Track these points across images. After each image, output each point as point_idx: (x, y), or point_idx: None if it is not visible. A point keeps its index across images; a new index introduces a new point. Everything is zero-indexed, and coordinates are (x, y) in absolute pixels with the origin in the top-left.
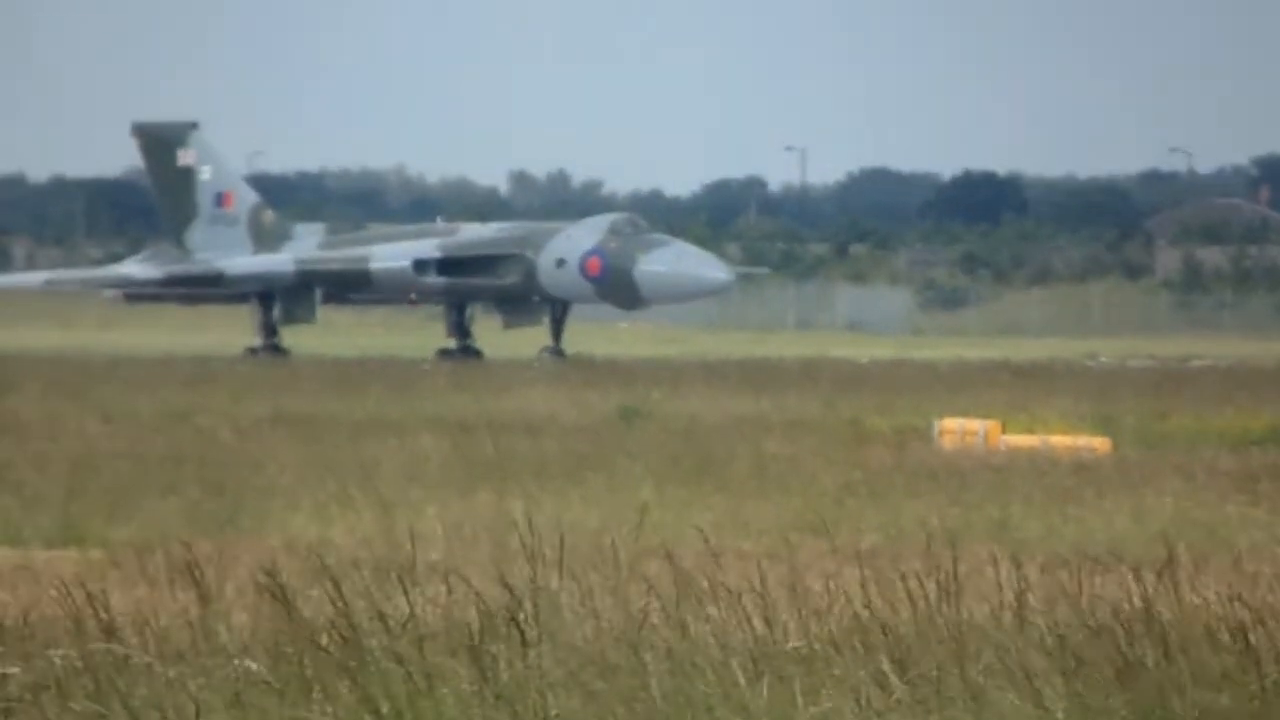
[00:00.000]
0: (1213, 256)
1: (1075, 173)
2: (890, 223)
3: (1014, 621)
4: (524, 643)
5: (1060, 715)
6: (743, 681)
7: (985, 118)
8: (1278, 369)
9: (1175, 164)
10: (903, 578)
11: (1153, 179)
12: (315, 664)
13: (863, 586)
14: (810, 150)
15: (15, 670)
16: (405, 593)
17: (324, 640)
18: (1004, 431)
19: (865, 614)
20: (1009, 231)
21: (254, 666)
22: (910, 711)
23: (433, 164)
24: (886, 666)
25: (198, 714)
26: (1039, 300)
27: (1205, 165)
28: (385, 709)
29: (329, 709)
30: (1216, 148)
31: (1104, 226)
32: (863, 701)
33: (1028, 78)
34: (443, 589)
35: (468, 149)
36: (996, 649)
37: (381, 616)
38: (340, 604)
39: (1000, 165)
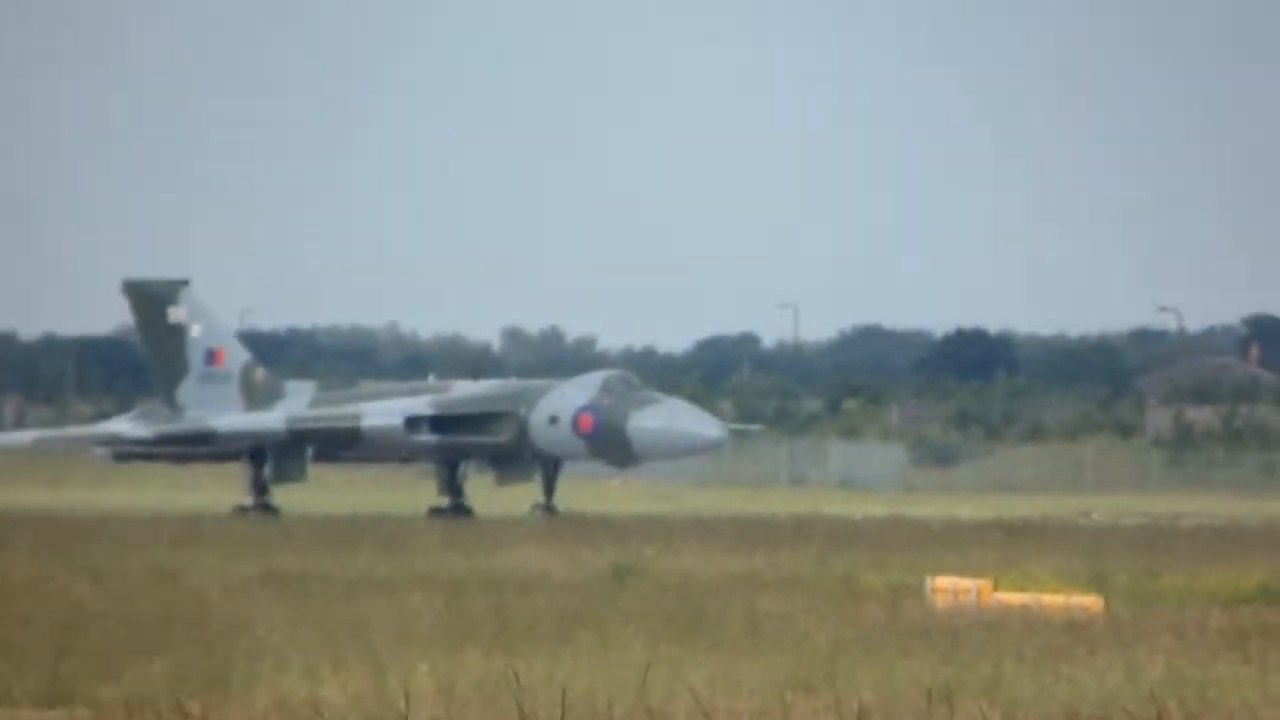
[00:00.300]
0: (1203, 415)
1: (1066, 331)
2: (883, 379)
3: None
4: None
5: None
6: None
7: (977, 275)
8: (1268, 528)
9: (1165, 322)
10: None
11: (1143, 337)
12: None
13: None
14: (803, 307)
15: None
16: None
17: None
18: (996, 589)
19: None
20: (1001, 388)
21: None
22: None
23: (425, 320)
24: None
25: None
26: (1031, 457)
27: (1195, 324)
28: None
29: None
30: (1206, 306)
31: (1095, 384)
32: None
33: (1019, 236)
34: None
35: (460, 305)
36: None
37: None
38: None
39: (992, 323)
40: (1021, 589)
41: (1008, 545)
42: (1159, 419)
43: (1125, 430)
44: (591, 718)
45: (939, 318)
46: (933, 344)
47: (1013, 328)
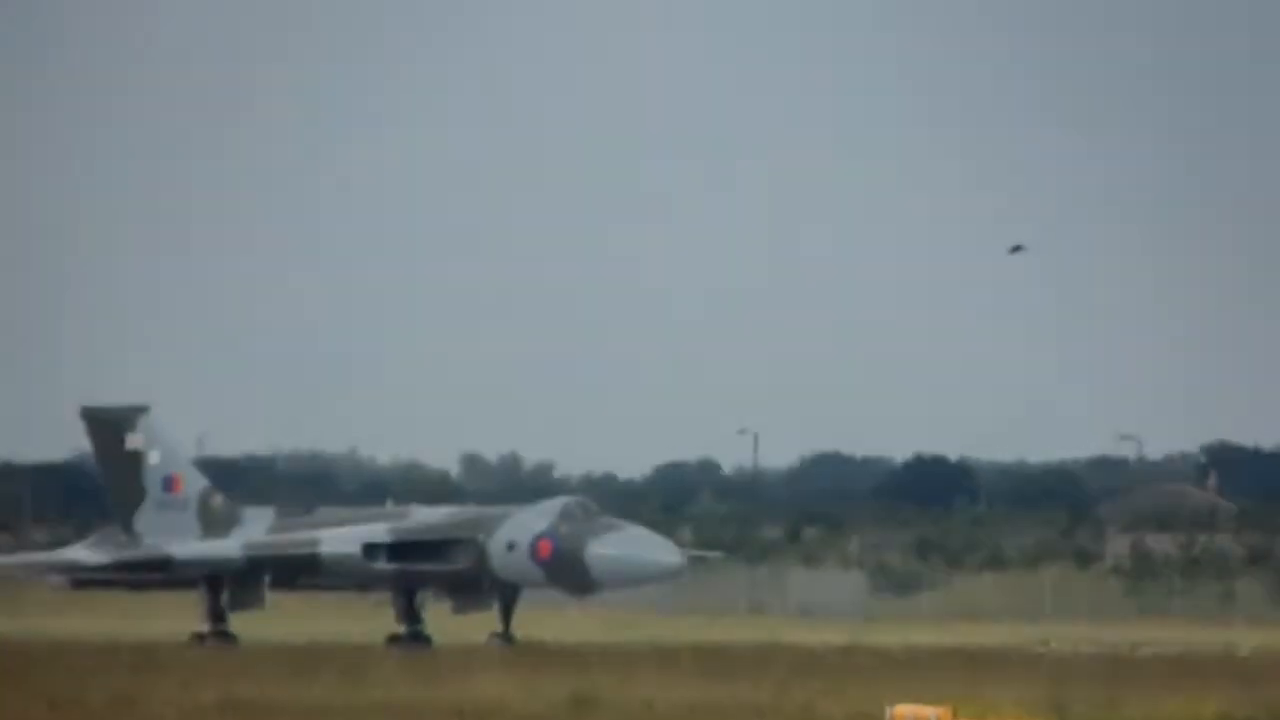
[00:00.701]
0: (1162, 543)
1: (1027, 457)
2: (842, 506)
3: None
4: None
5: None
6: None
7: (936, 403)
8: (1225, 656)
9: (1125, 450)
10: None
11: (1102, 465)
12: None
13: None
14: (763, 433)
15: None
16: None
17: None
18: (956, 717)
19: None
20: (961, 516)
21: None
22: None
23: (384, 446)
24: None
25: None
26: (991, 585)
27: (1155, 451)
28: None
29: None
30: (1165, 434)
31: (1055, 511)
32: None
33: (977, 363)
34: None
35: (419, 431)
36: None
37: None
38: None
39: (952, 450)
40: (981, 718)
41: (968, 673)
42: (1118, 546)
43: (1084, 558)
44: None
45: (899, 444)
46: (892, 470)
47: (973, 455)
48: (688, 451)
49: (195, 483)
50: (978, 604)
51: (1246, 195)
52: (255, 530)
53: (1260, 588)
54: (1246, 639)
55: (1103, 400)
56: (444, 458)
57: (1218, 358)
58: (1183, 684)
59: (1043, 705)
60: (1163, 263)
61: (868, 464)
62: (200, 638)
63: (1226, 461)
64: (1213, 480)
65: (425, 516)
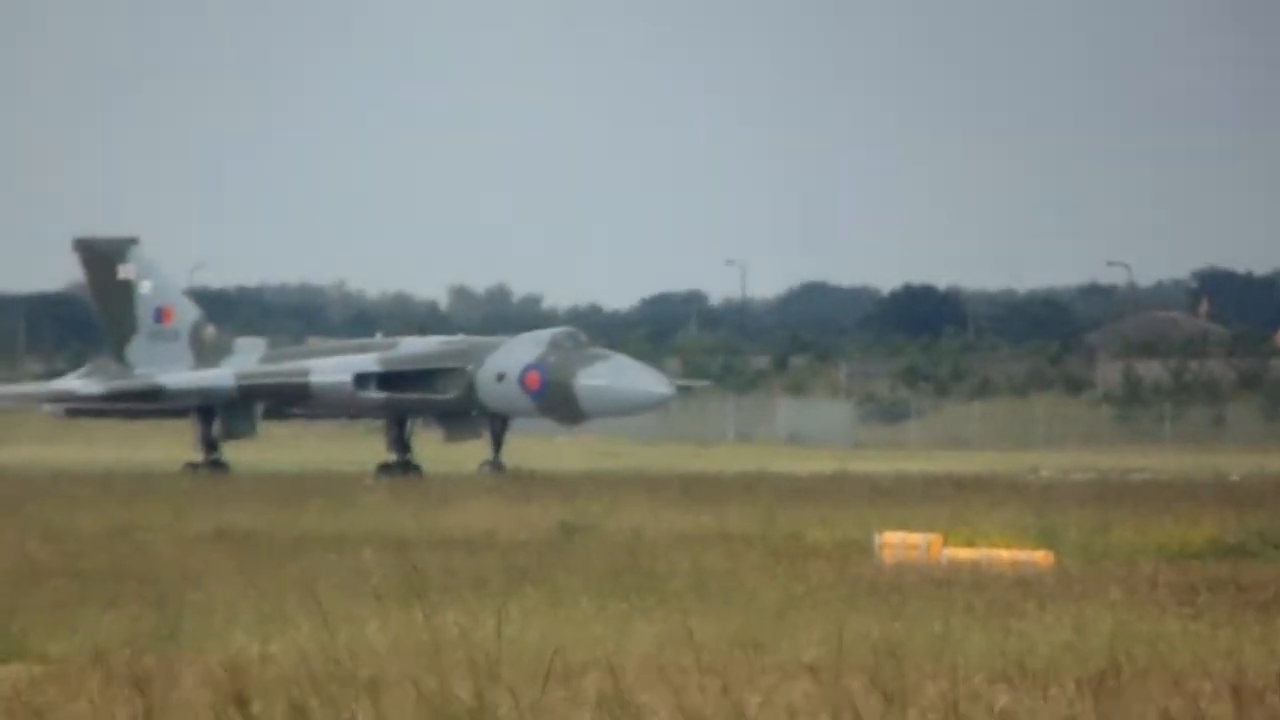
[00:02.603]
0: (1152, 370)
1: (1015, 286)
2: (830, 336)
3: None
4: None
5: None
6: None
7: (925, 231)
8: (1216, 482)
9: (1115, 277)
10: (846, 692)
11: (1092, 292)
12: None
13: (805, 700)
14: (750, 264)
15: None
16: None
17: None
18: (945, 545)
19: None
20: (949, 345)
21: None
22: None
23: (373, 279)
24: None
25: None
26: (980, 413)
27: (1145, 278)
28: None
29: None
30: (1156, 261)
31: (1045, 340)
32: None
33: (967, 191)
34: (383, 703)
35: (407, 264)
36: None
37: None
38: (296, 711)
39: (940, 279)
40: (971, 544)
41: (957, 501)
42: (1108, 374)
43: (1075, 385)
44: (540, 672)
45: (886, 274)
46: (880, 300)
47: (961, 284)
48: (675, 283)
49: (187, 313)
50: (966, 433)
51: (1245, 13)
52: (247, 360)
53: (1251, 413)
54: (1237, 464)
55: (1092, 227)
56: (432, 289)
57: (1208, 183)
58: (1174, 509)
59: (1032, 532)
60: (1154, 85)
61: (855, 294)
62: (193, 467)
63: (1217, 287)
64: (1204, 306)
65: (414, 347)
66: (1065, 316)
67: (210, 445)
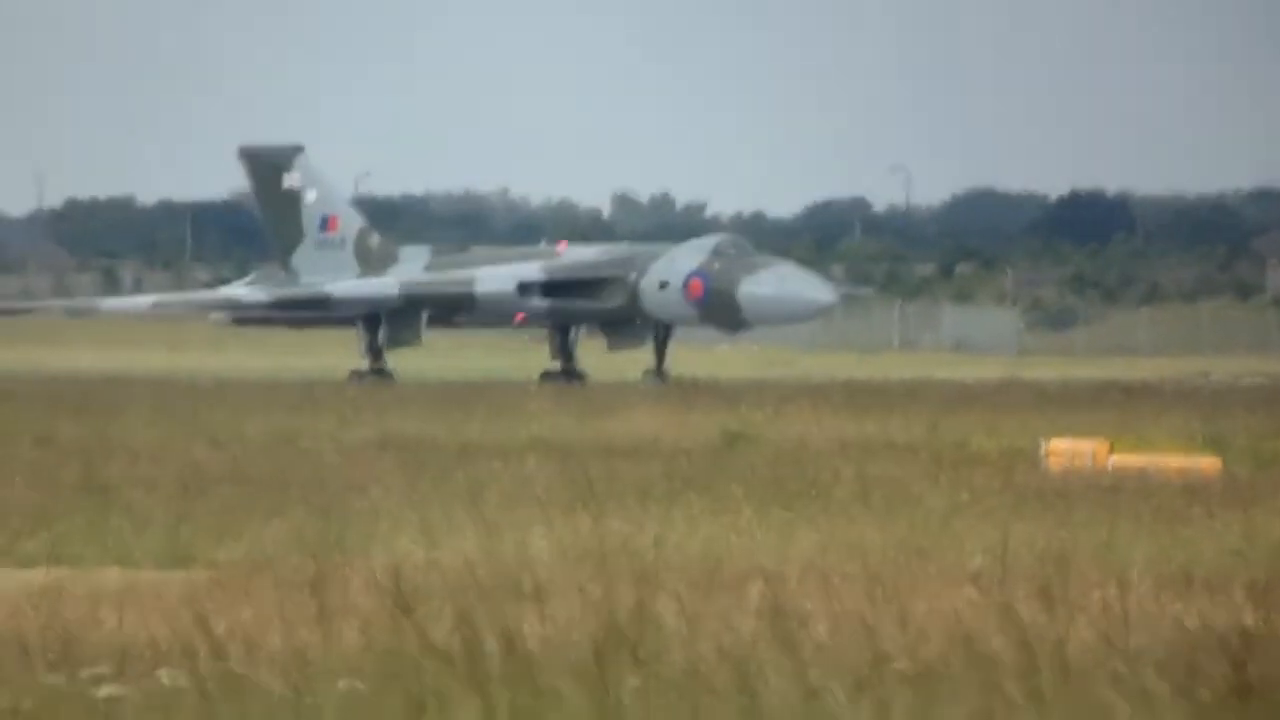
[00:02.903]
0: None
1: (1184, 191)
2: (996, 243)
3: (1122, 643)
4: (637, 663)
5: None
6: (845, 703)
7: (1092, 136)
8: None
9: None
10: (1011, 600)
11: (1262, 196)
12: (425, 681)
13: (970, 608)
14: (915, 170)
15: (125, 691)
16: (516, 613)
17: (440, 658)
18: (1112, 452)
19: (971, 636)
20: (1117, 251)
21: (361, 686)
22: None
23: (536, 186)
24: (996, 688)
25: None
26: (1148, 320)
27: None
28: None
29: None
30: None
31: (1213, 245)
32: None
33: (1135, 95)
34: (550, 610)
35: (571, 171)
36: (1107, 670)
37: (503, 635)
38: (462, 618)
39: (1108, 184)
40: (1138, 451)
41: (1124, 408)
42: (1278, 279)
43: (1244, 290)
44: (703, 579)
45: (1054, 179)
46: (1047, 206)
47: (1130, 188)
48: (839, 189)
49: (352, 222)
50: (1134, 339)
51: None
52: (411, 269)
53: None
54: None
55: (1262, 130)
56: (596, 197)
57: None
58: None
59: (1200, 438)
60: None
61: (1022, 199)
62: (358, 375)
63: None
64: None
65: (578, 255)
66: (1234, 221)
67: (375, 353)
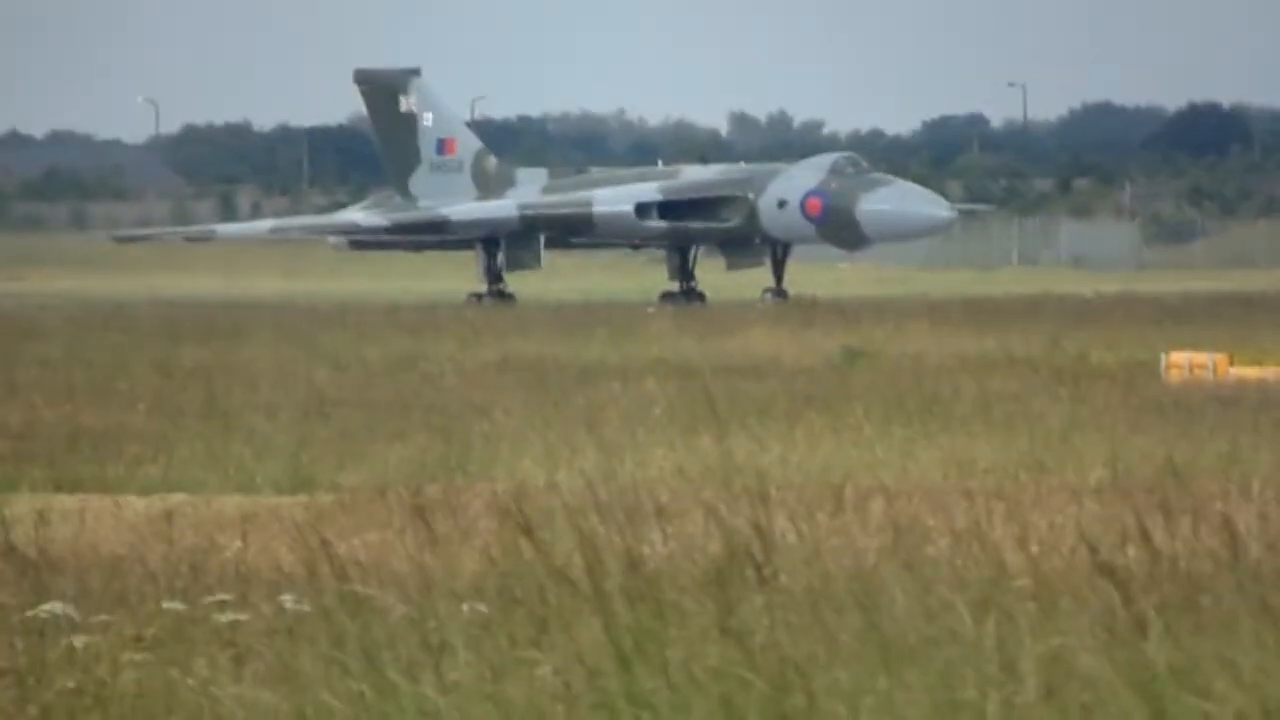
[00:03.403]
0: None
1: None
2: (1114, 157)
3: (1247, 556)
4: (760, 581)
5: None
6: (969, 621)
7: (1209, 50)
8: None
9: None
10: (1142, 514)
11: None
12: (549, 603)
13: (1091, 522)
14: (1031, 86)
15: (246, 617)
16: (638, 533)
17: (562, 579)
18: (1232, 364)
19: (1093, 551)
20: (1235, 164)
21: (484, 609)
22: (1140, 649)
23: (653, 107)
24: (1116, 604)
25: (438, 655)
26: (1266, 232)
27: None
28: (626, 646)
29: (568, 647)
30: None
31: None
32: (1092, 639)
33: (1250, 7)
34: (672, 529)
35: (688, 91)
36: (1231, 582)
37: (627, 554)
38: (583, 538)
39: (1225, 97)
40: (1258, 363)
41: (1244, 320)
42: None
43: None
44: (827, 497)
45: (1171, 93)
46: (1165, 120)
47: (1246, 101)
48: (955, 105)
49: (469, 145)
50: (1253, 252)
51: None
52: (529, 191)
53: None
54: None
55: None
56: (713, 117)
57: None
58: None
59: None
60: None
61: (1139, 114)
62: (477, 298)
63: None
64: None
65: (696, 175)
66: None
67: (494, 276)
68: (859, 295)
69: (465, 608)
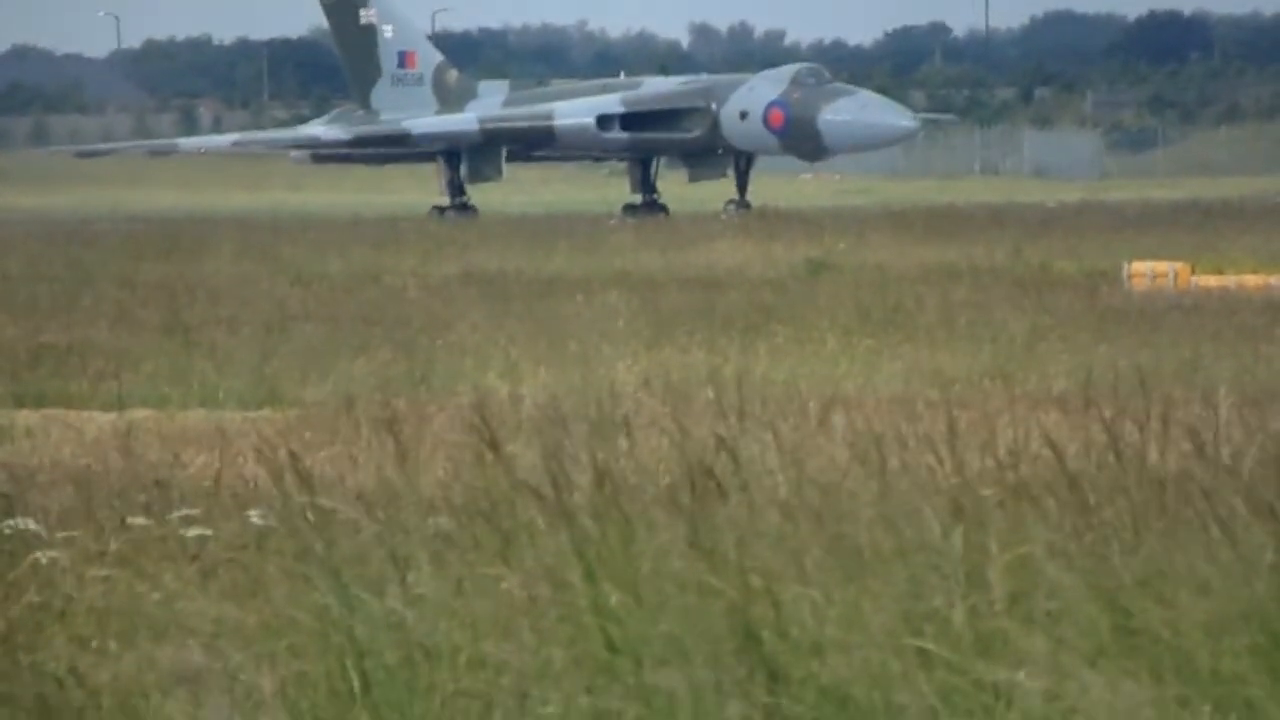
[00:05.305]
0: None
1: (1262, 9)
2: (1075, 65)
3: (1211, 463)
4: (724, 494)
5: (1268, 556)
6: (937, 530)
7: None
8: None
9: None
10: (1107, 422)
11: None
12: (515, 517)
13: (1057, 429)
14: None
15: (212, 532)
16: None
17: (528, 492)
18: (1194, 272)
19: (1058, 460)
20: (1196, 71)
21: (445, 522)
22: (1107, 556)
23: (614, 19)
24: (1082, 512)
25: (403, 569)
26: (1227, 139)
27: None
28: (591, 559)
29: (533, 561)
30: None
31: None
32: (1057, 548)
33: None
34: (636, 443)
35: (649, 2)
36: (1196, 490)
37: (593, 468)
38: (549, 450)
39: (1185, 4)
40: (1220, 271)
41: (1205, 228)
42: None
43: None
44: (791, 408)
45: (1131, 1)
46: (1125, 27)
47: (1207, 8)
48: (917, 15)
49: (430, 58)
50: (1214, 159)
51: None
52: (490, 104)
53: None
54: None
55: None
56: (674, 28)
57: None
58: None
59: None
60: None
61: (1100, 21)
62: (440, 210)
63: None
64: None
65: (657, 87)
66: None
67: (456, 189)
68: (822, 206)
69: (430, 522)
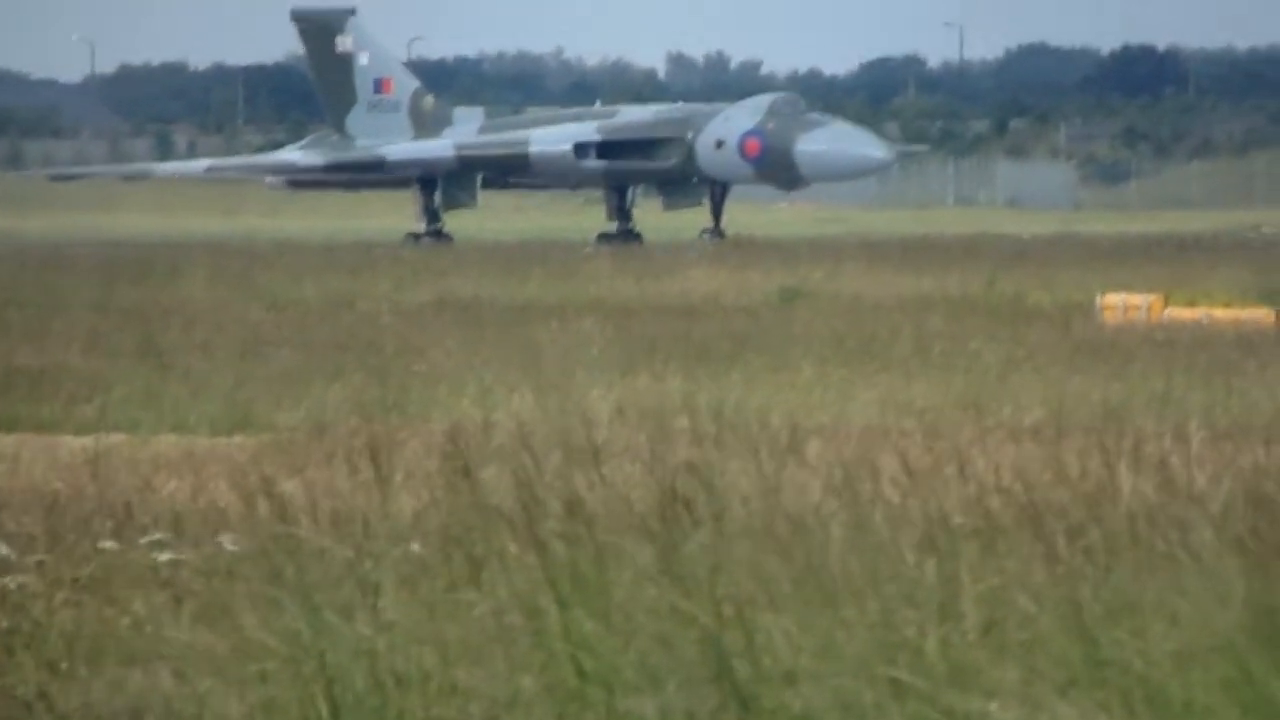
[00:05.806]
0: None
1: (1235, 44)
2: (1050, 98)
3: (1183, 496)
4: (697, 523)
5: (1238, 588)
6: (910, 560)
7: None
8: None
9: None
10: (1079, 454)
11: None
12: (487, 543)
13: (1029, 461)
14: (968, 26)
15: (183, 557)
16: (574, 475)
17: (500, 520)
18: (1167, 305)
19: (1031, 491)
20: (1170, 105)
21: (417, 549)
22: (1078, 587)
23: (591, 47)
24: (1054, 542)
25: (374, 595)
26: (1200, 173)
27: None
28: (564, 586)
29: (505, 587)
30: None
31: (1265, 97)
32: (1030, 579)
33: None
34: (609, 470)
35: (626, 31)
36: (1167, 522)
37: (565, 495)
38: (522, 478)
39: (1160, 39)
40: (1192, 304)
41: (1178, 261)
42: None
43: None
44: (765, 437)
45: (1106, 34)
46: (1100, 61)
47: (1181, 43)
48: (893, 46)
49: (406, 84)
50: (1187, 193)
51: None
52: (466, 131)
53: None
54: None
55: None
56: (651, 57)
57: None
58: None
59: (1254, 291)
60: None
61: (1075, 54)
62: (415, 237)
63: None
64: None
65: (633, 115)
66: None
67: (432, 216)
68: (797, 235)
69: (402, 548)
